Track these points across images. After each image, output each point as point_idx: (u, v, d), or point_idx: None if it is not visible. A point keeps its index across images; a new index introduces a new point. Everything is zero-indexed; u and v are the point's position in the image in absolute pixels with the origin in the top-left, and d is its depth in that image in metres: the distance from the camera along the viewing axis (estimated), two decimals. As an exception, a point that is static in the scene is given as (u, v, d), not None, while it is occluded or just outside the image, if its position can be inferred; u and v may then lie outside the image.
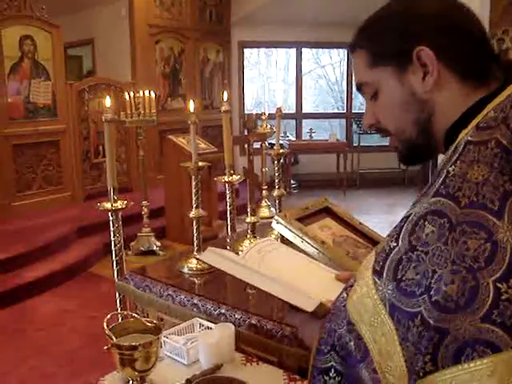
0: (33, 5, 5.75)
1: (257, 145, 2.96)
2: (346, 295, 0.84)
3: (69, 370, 3.21)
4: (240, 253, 1.32)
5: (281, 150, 2.33)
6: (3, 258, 4.47)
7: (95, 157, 6.52)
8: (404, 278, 0.74)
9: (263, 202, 3.60)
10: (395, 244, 0.78)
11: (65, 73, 6.16)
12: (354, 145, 8.78)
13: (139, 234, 5.23)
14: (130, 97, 5.06)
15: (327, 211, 1.79)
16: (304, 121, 9.28)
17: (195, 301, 1.71)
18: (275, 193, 2.34)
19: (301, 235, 1.54)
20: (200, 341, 1.43)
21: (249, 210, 2.24)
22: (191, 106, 1.96)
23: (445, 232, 0.72)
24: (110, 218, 1.88)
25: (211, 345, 1.40)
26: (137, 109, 5.09)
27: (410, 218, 0.78)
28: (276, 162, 2.32)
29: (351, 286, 0.84)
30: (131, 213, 4.72)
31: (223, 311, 1.63)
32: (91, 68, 8.02)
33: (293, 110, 9.11)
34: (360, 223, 1.71)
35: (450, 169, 0.76)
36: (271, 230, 2.28)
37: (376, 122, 0.94)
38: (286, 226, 1.58)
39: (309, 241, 1.53)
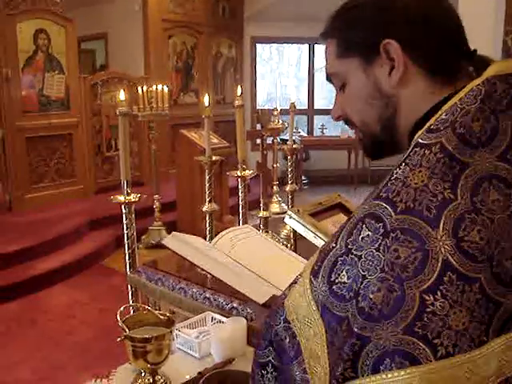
0: (47, -2, 5.79)
1: (268, 140, 2.96)
2: (287, 292, 0.83)
3: (80, 361, 3.24)
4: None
5: (294, 146, 2.33)
6: (16, 250, 4.51)
7: (107, 150, 6.55)
8: (337, 281, 0.72)
9: (274, 197, 3.60)
10: (334, 245, 0.75)
11: (78, 66, 6.18)
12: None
13: (150, 228, 5.25)
14: (142, 91, 5.08)
15: (340, 207, 1.79)
16: (316, 117, 9.25)
17: (207, 294, 1.72)
18: (287, 188, 2.33)
19: (313, 230, 1.54)
20: (212, 334, 1.43)
21: (261, 204, 2.24)
22: (206, 100, 1.96)
23: (378, 237, 0.69)
24: (123, 211, 1.88)
25: (223, 339, 1.41)
26: (149, 103, 5.10)
27: (351, 219, 0.75)
28: (289, 158, 2.32)
29: (295, 283, 0.82)
30: (143, 206, 4.74)
31: (235, 305, 1.63)
32: (104, 62, 8.05)
33: (305, 106, 9.08)
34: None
35: (395, 171, 0.74)
36: (283, 225, 2.28)
37: (343, 113, 0.92)
38: (298, 221, 1.58)
39: (321, 236, 1.53)
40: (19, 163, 5.60)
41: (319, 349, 0.73)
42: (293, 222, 1.60)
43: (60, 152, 6.05)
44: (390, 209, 0.70)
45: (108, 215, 5.23)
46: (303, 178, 8.39)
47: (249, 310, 1.59)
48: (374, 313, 0.66)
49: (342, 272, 0.72)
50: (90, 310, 4.00)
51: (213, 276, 1.11)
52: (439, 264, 0.65)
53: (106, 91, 6.45)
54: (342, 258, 0.73)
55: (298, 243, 2.00)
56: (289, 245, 2.02)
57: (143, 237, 5.19)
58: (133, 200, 1.86)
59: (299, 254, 1.59)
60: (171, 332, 1.34)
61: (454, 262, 0.65)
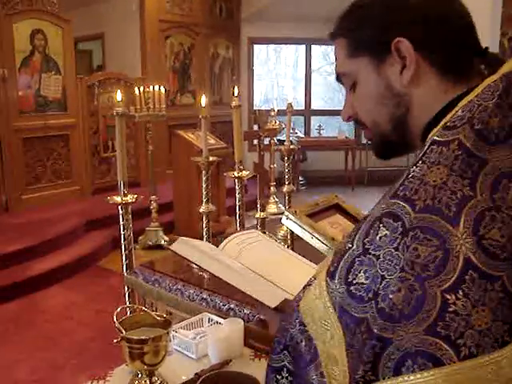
0: (44, -1, 5.78)
1: (265, 141, 2.95)
2: (302, 294, 0.81)
3: (77, 362, 3.23)
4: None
5: (291, 146, 2.33)
6: (13, 251, 4.50)
7: (104, 151, 6.54)
8: (355, 282, 0.71)
9: (271, 198, 3.60)
10: (350, 245, 0.74)
11: (75, 67, 6.17)
12: (363, 142, 8.74)
13: (147, 229, 5.25)
14: (139, 92, 5.07)
15: (337, 208, 1.79)
16: (313, 117, 9.26)
17: (204, 295, 1.72)
18: (285, 189, 2.33)
19: (311, 231, 1.54)
20: (209, 336, 1.43)
21: (258, 205, 2.24)
22: (203, 100, 1.96)
23: (397, 236, 0.68)
24: (120, 212, 1.88)
25: (220, 340, 1.40)
26: (146, 104, 5.10)
27: (368, 218, 0.75)
28: (286, 158, 2.32)
29: (310, 285, 0.80)
30: (139, 207, 4.74)
31: (232, 306, 1.63)
32: (101, 62, 8.04)
33: (301, 107, 9.09)
34: (370, 220, 1.71)
35: (411, 169, 0.73)
36: (280, 226, 2.28)
37: (354, 114, 0.91)
38: (295, 222, 1.58)
39: (319, 237, 1.53)
40: (16, 164, 5.58)
41: (337, 351, 0.71)
42: (290, 223, 1.60)
43: (57, 153, 6.04)
44: (408, 207, 0.69)
45: (105, 216, 5.22)
46: (300, 178, 8.39)
47: (246, 311, 1.59)
48: (395, 313, 0.65)
49: (359, 272, 0.71)
50: (87, 310, 4.00)
51: (224, 281, 1.09)
52: (460, 262, 0.64)
53: (102, 92, 6.44)
54: (359, 259, 0.72)
55: (295, 244, 2.01)
56: (286, 246, 2.02)
57: (140, 238, 5.19)
58: (129, 201, 1.86)
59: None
60: (168, 333, 1.34)
61: (476, 261, 0.64)
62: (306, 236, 1.55)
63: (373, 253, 0.70)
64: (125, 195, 1.86)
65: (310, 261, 1.28)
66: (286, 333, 0.80)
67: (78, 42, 7.07)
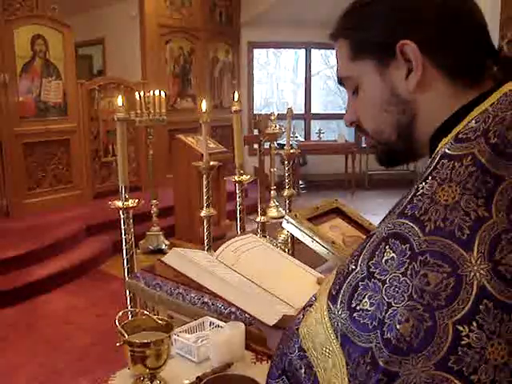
0: (45, 5, 5.80)
1: (265, 145, 2.96)
2: (302, 316, 0.75)
3: (77, 367, 3.23)
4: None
5: (292, 150, 2.34)
6: (14, 256, 4.51)
7: (105, 156, 6.55)
8: (358, 308, 0.65)
9: (272, 202, 3.60)
10: (354, 267, 0.69)
11: (75, 72, 6.19)
12: (363, 146, 8.76)
13: (148, 233, 5.25)
14: (140, 96, 5.09)
15: (337, 211, 1.80)
16: (313, 121, 9.27)
17: (205, 299, 1.72)
18: (285, 193, 2.34)
19: (311, 235, 1.55)
20: (210, 339, 1.44)
21: (259, 209, 2.24)
22: (203, 105, 1.97)
23: (404, 260, 0.63)
24: (121, 217, 1.89)
25: (222, 343, 1.41)
26: (147, 108, 5.11)
27: (373, 238, 0.69)
28: (286, 162, 2.33)
29: (310, 306, 0.75)
30: (140, 211, 4.74)
31: (233, 310, 1.63)
32: (101, 67, 8.06)
33: (301, 111, 9.10)
34: (370, 224, 1.72)
35: (420, 186, 0.67)
36: (280, 230, 2.29)
37: (357, 119, 0.85)
38: (296, 226, 1.58)
39: (319, 241, 1.53)
40: (17, 169, 5.59)
41: (339, 382, 0.67)
42: (290, 227, 1.60)
43: (57, 157, 6.05)
44: (416, 228, 0.64)
45: (106, 220, 5.22)
46: (301, 182, 8.40)
47: (247, 315, 1.59)
48: (402, 345, 0.60)
49: (363, 298, 0.65)
50: (88, 315, 3.99)
51: (219, 296, 1.04)
52: (474, 291, 0.59)
53: (103, 97, 6.45)
54: (363, 283, 0.66)
55: (295, 248, 2.01)
56: (286, 249, 2.02)
57: (141, 242, 5.19)
58: (131, 205, 1.87)
59: (296, 259, 1.59)
60: (170, 337, 1.34)
61: (491, 289, 0.59)
62: (306, 240, 1.56)
63: (378, 277, 0.65)
64: (126, 200, 1.87)
65: (310, 265, 1.27)
66: (284, 357, 0.75)
67: (79, 47, 7.08)
